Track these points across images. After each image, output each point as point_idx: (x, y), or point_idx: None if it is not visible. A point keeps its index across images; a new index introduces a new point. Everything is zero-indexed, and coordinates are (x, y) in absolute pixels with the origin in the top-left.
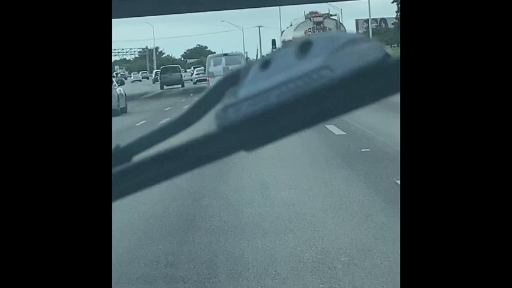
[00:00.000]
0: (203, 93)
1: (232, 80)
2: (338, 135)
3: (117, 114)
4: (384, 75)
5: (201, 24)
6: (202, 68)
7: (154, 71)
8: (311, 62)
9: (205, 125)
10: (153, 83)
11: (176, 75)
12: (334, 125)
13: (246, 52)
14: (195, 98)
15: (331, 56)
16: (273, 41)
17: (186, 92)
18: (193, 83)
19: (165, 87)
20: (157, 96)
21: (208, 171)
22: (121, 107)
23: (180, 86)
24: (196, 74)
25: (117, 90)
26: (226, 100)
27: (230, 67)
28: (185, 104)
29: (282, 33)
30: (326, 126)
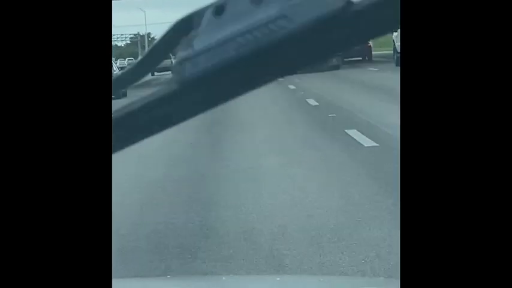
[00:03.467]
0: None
1: (185, 27)
2: (368, 147)
3: (119, 97)
4: (345, 25)
5: (193, 9)
6: None
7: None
8: (267, 10)
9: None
10: None
11: (166, 61)
12: (358, 130)
13: None
14: None
15: (287, 4)
16: None
17: None
18: None
19: (155, 73)
20: (144, 85)
21: (182, 217)
22: (122, 90)
23: (170, 72)
24: None
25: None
26: (181, 53)
27: None
28: None
29: None
30: (347, 131)
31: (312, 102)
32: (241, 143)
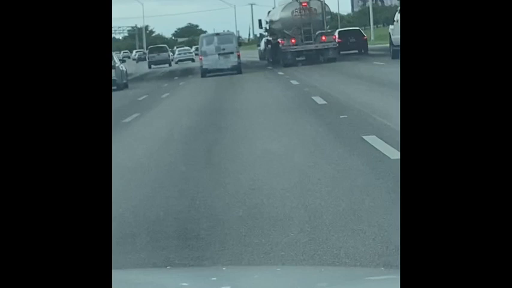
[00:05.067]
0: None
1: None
2: (396, 160)
3: (120, 89)
4: None
5: (192, 1)
6: (185, 48)
7: (134, 51)
8: None
9: None
10: (137, 62)
11: (164, 55)
12: (378, 136)
13: (238, 31)
14: (180, 83)
15: None
16: (260, 21)
17: (171, 75)
18: (175, 63)
19: (152, 66)
20: (139, 78)
21: None
22: (124, 82)
23: (167, 65)
24: (178, 54)
25: (120, 66)
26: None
27: (222, 46)
28: (165, 91)
29: (268, 13)
30: (364, 137)
31: (319, 100)
32: (238, 157)
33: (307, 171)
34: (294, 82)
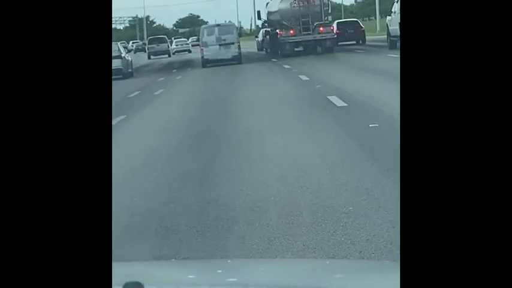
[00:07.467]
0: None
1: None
2: None
3: (126, 77)
4: None
5: None
6: (182, 39)
7: (131, 42)
8: None
9: None
10: (134, 53)
11: (163, 45)
12: None
13: (240, 22)
14: (178, 77)
15: None
16: (258, 13)
17: (169, 67)
18: (172, 53)
19: (152, 57)
20: (135, 71)
21: None
22: (129, 71)
23: (167, 56)
24: (175, 45)
25: (126, 56)
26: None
27: (223, 37)
28: (160, 87)
29: (266, 4)
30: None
31: (337, 101)
32: (242, 190)
33: (344, 225)
34: (303, 77)
